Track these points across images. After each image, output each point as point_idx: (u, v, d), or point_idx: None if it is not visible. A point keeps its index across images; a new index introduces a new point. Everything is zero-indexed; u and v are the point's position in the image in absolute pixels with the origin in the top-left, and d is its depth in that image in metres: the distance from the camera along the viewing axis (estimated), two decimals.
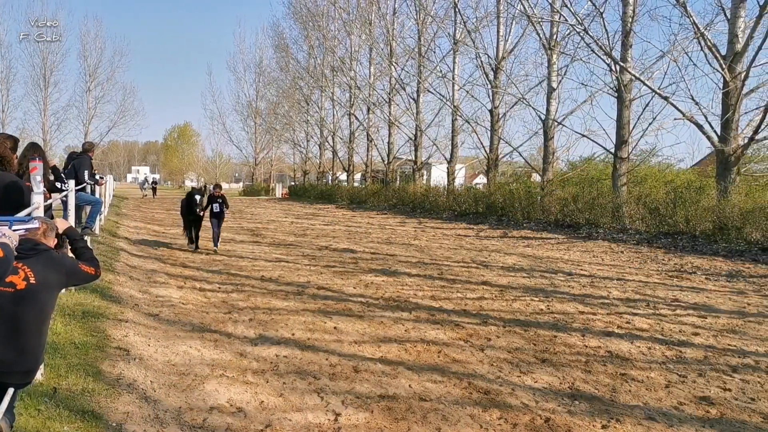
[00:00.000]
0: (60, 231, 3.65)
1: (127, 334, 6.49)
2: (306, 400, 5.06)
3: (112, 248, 12.93)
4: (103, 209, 17.13)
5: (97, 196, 12.98)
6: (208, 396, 5.02)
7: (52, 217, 9.45)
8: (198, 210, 14.32)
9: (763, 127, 16.39)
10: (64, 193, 8.52)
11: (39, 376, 4.52)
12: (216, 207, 14.52)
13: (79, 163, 11.01)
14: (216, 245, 14.59)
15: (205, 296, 9.23)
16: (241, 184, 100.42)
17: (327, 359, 6.17)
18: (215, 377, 5.49)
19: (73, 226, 8.03)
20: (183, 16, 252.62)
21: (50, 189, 7.60)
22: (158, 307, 8.20)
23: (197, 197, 14.32)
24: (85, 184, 10.96)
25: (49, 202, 7.08)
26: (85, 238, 10.89)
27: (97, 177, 12.87)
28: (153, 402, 4.76)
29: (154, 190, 55.18)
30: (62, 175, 9.25)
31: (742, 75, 16.63)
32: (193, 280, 10.53)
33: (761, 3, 15.80)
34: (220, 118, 74.14)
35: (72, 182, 8.68)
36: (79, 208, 11.04)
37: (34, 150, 6.70)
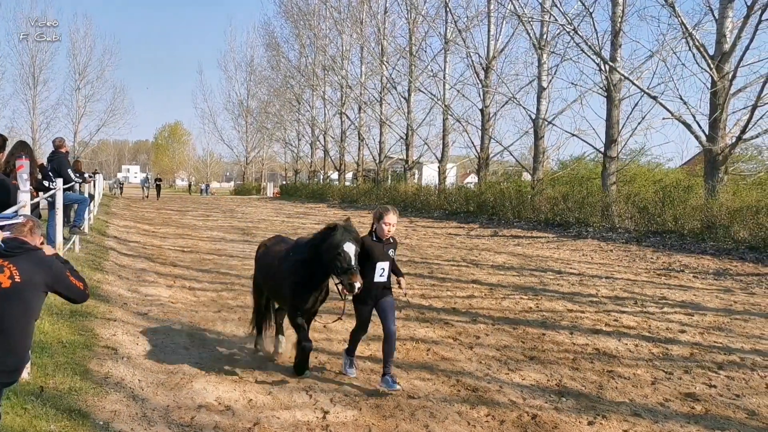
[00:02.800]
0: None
1: (115, 333, 6.48)
2: (295, 398, 5.07)
3: (102, 247, 12.89)
4: (92, 207, 17.08)
5: (85, 194, 12.91)
6: (197, 394, 5.02)
7: (39, 216, 9.42)
8: (349, 281, 5.26)
9: (750, 126, 16.51)
10: (51, 192, 8.50)
11: (26, 374, 4.51)
12: (382, 272, 5.58)
13: (58, 163, 10.95)
14: (394, 384, 5.24)
15: (194, 295, 9.22)
16: (232, 183, 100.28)
17: (316, 357, 6.17)
18: (203, 376, 5.49)
19: (62, 226, 7.99)
20: (173, 15, 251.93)
21: (38, 188, 7.58)
22: (147, 306, 8.19)
23: (348, 247, 5.33)
24: (72, 182, 10.92)
25: (36, 200, 7.06)
26: (74, 236, 10.86)
27: (86, 175, 12.82)
28: (141, 400, 4.76)
29: (158, 188, 47.73)
30: (50, 173, 9.23)
31: (730, 75, 16.73)
32: (182, 279, 10.50)
33: (749, 3, 15.91)
34: (211, 117, 73.75)
35: (60, 181, 8.65)
36: (66, 207, 11.01)
37: (22, 148, 6.69)
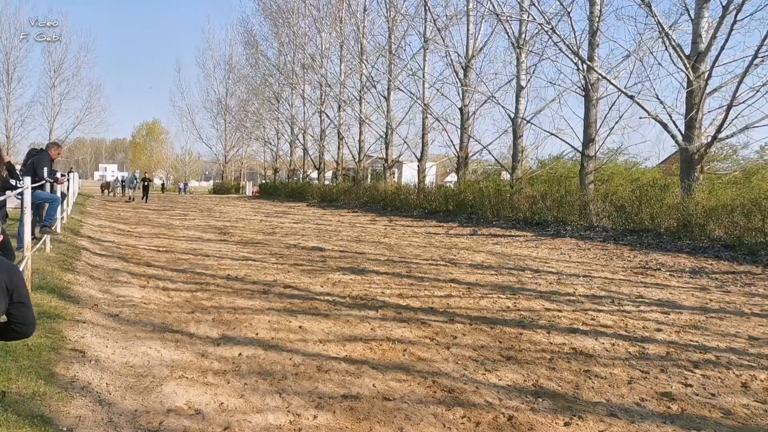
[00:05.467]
0: None
1: (84, 335, 6.32)
2: (267, 401, 4.96)
3: (74, 247, 12.64)
4: (65, 207, 16.79)
5: (57, 194, 12.65)
6: (166, 398, 4.90)
7: (6, 216, 9.21)
8: None
9: (725, 126, 16.67)
10: (19, 191, 8.29)
11: None
12: None
13: (38, 160, 10.72)
14: None
15: (168, 296, 9.05)
16: (211, 182, 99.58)
17: (290, 359, 6.07)
18: (174, 379, 5.36)
19: (31, 225, 7.81)
20: (151, 12, 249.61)
21: (3, 186, 7.38)
22: (119, 307, 8.01)
23: None
24: (44, 181, 10.68)
25: (2, 198, 6.87)
26: (45, 236, 10.64)
27: (58, 175, 12.58)
28: (107, 405, 4.63)
29: (145, 189, 39.89)
30: (18, 172, 9.01)
31: (706, 74, 16.88)
32: (156, 280, 10.32)
33: (724, 3, 16.06)
34: (189, 116, 73.30)
35: (27, 179, 8.43)
36: (38, 206, 10.77)
37: None
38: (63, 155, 53.09)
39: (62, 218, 14.72)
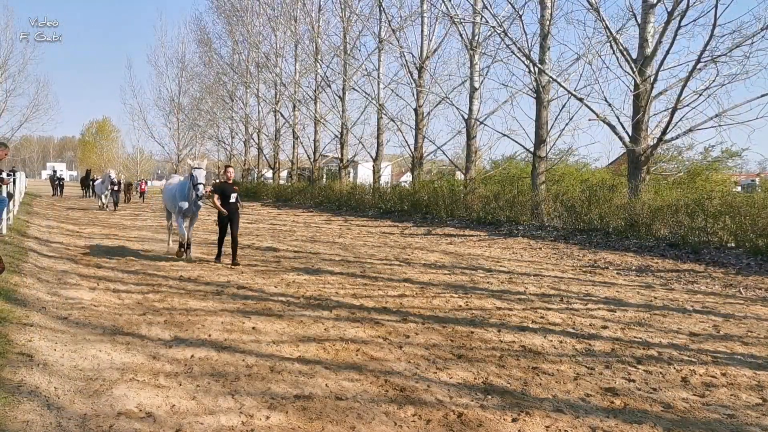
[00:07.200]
0: None
1: (31, 338, 6.21)
2: (219, 403, 4.96)
3: (21, 248, 12.34)
4: (12, 207, 16.35)
5: (3, 194, 12.32)
6: (116, 401, 4.86)
7: None
8: None
9: (670, 128, 17.21)
10: None
11: None
12: None
13: None
14: None
15: (119, 297, 8.92)
16: (163, 181, 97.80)
17: (243, 360, 6.07)
18: (125, 381, 5.31)
19: None
20: (101, 7, 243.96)
21: None
22: (68, 309, 7.87)
23: None
24: None
25: None
26: None
27: (3, 175, 12.25)
28: (56, 409, 4.57)
29: (115, 193, 31.38)
30: None
31: (652, 78, 17.39)
32: (107, 281, 10.15)
33: (669, 9, 16.57)
34: (141, 114, 71.78)
35: None
36: None
37: None
38: (9, 154, 51.45)
39: (8, 219, 14.33)
